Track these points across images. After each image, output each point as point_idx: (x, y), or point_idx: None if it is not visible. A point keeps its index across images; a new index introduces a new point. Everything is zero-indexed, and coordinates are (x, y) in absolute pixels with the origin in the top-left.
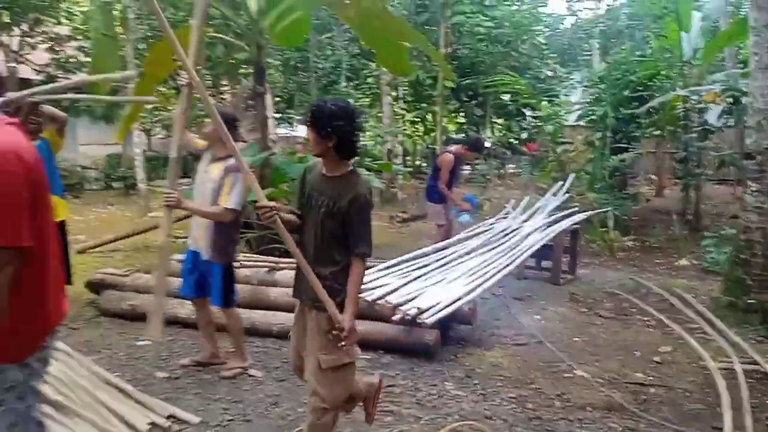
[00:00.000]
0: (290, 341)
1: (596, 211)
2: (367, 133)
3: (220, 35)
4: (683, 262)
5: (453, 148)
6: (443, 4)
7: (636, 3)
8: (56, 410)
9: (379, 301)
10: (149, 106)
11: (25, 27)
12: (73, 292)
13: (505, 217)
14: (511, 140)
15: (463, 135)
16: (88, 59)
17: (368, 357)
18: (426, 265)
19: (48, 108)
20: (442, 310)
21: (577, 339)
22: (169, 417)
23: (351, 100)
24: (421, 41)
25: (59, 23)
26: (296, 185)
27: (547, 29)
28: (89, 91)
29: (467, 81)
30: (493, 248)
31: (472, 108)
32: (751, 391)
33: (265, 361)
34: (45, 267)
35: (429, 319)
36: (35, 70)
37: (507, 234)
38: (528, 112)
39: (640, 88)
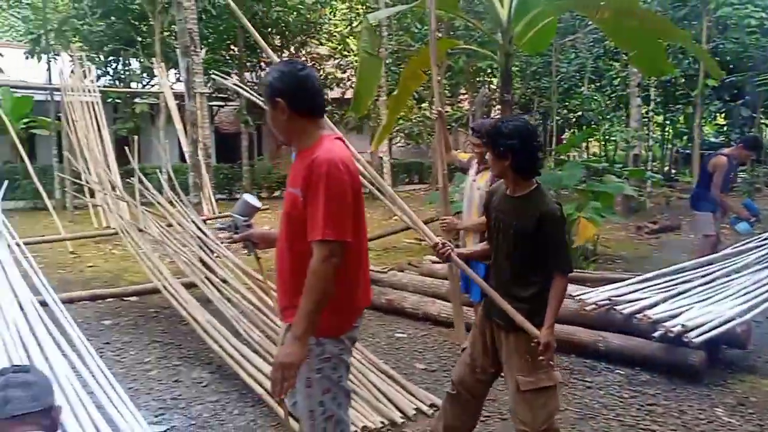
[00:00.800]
0: (462, 356)
1: None
2: (612, 138)
3: (465, 46)
4: None
5: (726, 150)
6: None
7: None
8: None
9: (637, 315)
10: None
11: (292, 49)
12: None
13: None
14: None
15: (723, 138)
16: (344, 75)
17: (622, 372)
18: (689, 281)
19: None
20: (712, 329)
21: None
22: (431, 405)
23: (593, 103)
24: (683, 38)
25: (321, 44)
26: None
27: None
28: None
29: (731, 79)
30: None
31: (738, 109)
32: None
33: None
34: (359, 259)
35: (696, 338)
36: None
37: None
38: None
39: None
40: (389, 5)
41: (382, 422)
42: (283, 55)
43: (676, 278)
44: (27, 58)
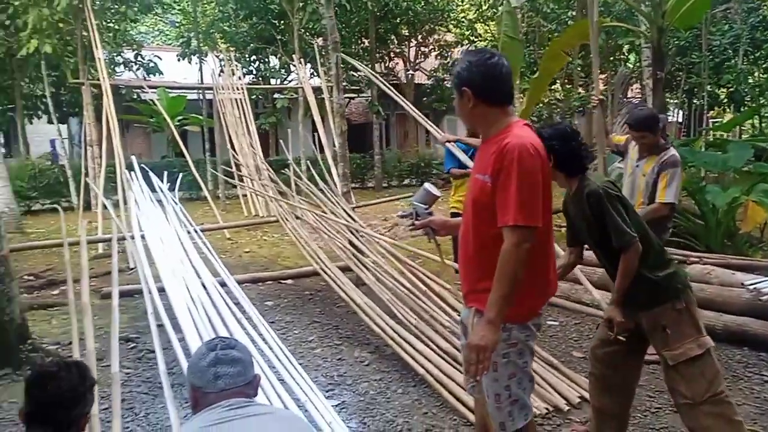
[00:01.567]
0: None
1: None
2: None
3: (613, 23)
4: None
5: None
6: None
7: None
8: None
9: None
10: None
11: (419, 38)
12: None
13: None
14: None
15: None
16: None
17: None
18: None
19: None
20: None
21: None
22: None
23: (750, 78)
24: None
25: (448, 31)
26: None
27: None
28: None
29: None
30: None
31: None
32: None
33: None
34: (547, 244)
35: None
36: (426, 75)
37: None
38: None
39: None
40: None
41: (547, 408)
42: (411, 44)
43: None
44: (179, 60)
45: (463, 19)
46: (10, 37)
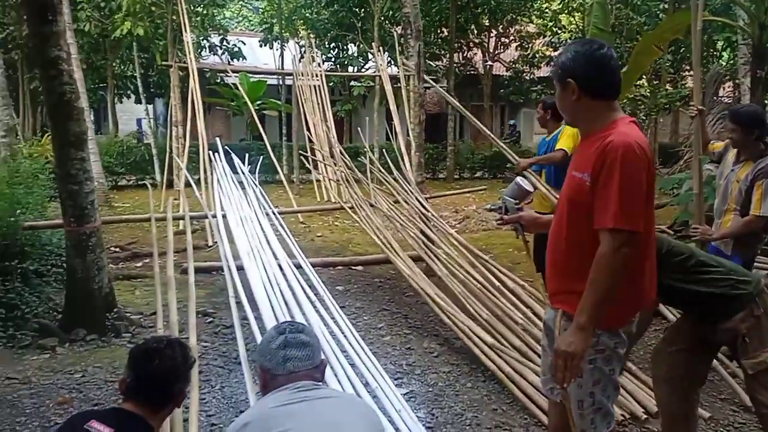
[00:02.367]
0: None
1: None
2: None
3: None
4: None
5: None
6: None
7: None
8: None
9: None
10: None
11: (500, 28)
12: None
13: None
14: None
15: None
16: (554, 54)
17: None
18: None
19: None
20: None
21: None
22: None
23: None
24: None
25: (530, 22)
26: None
27: None
28: None
29: None
30: None
31: None
32: None
33: None
34: (647, 250)
35: None
36: (505, 66)
37: None
38: None
39: None
40: None
41: (623, 415)
42: (491, 34)
43: None
44: (261, 45)
45: (547, 10)
46: (105, 19)
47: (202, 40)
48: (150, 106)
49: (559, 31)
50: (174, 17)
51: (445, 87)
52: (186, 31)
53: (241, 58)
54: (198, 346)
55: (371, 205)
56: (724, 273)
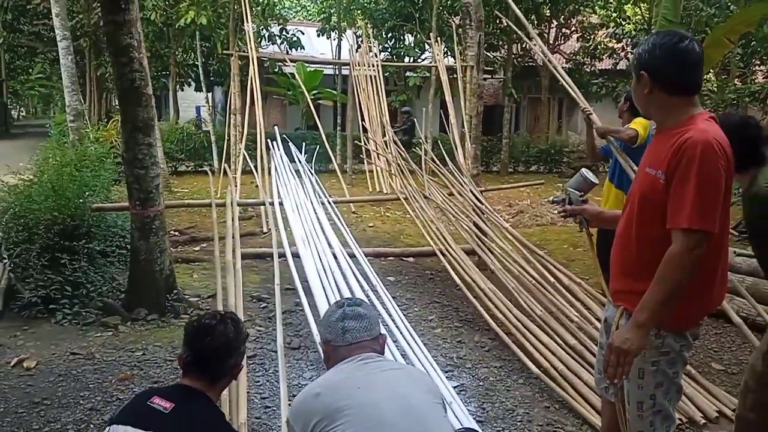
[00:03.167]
0: None
1: None
2: None
3: None
4: None
5: None
6: None
7: None
8: None
9: None
10: None
11: (561, 19)
12: None
13: None
14: None
15: None
16: (617, 45)
17: None
18: None
19: None
20: None
21: None
22: (735, 410)
23: None
24: None
25: (593, 12)
26: None
27: None
28: None
29: None
30: None
31: None
32: None
33: None
34: (720, 251)
35: None
36: (565, 58)
37: None
38: None
39: None
40: None
41: (681, 419)
42: (551, 25)
43: None
44: (318, 35)
45: (611, 0)
46: (170, 8)
47: (262, 29)
48: (209, 94)
49: (624, 23)
50: (236, 7)
51: (503, 78)
52: (247, 20)
53: (299, 48)
54: (253, 330)
55: (425, 197)
56: None
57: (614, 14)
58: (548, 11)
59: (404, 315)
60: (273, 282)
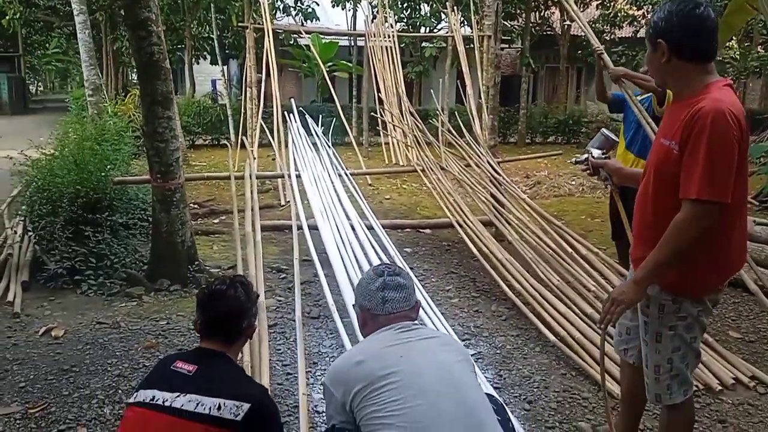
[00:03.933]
0: None
1: None
2: None
3: None
4: None
5: None
6: None
7: None
8: None
9: None
10: None
11: None
12: None
13: None
14: None
15: None
16: (638, 13)
17: None
18: None
19: None
20: None
21: None
22: (752, 378)
23: None
24: None
25: None
26: None
27: None
28: None
29: None
30: None
31: None
32: None
33: None
34: (735, 220)
35: None
36: None
37: None
38: None
39: None
40: None
41: (697, 386)
42: None
43: None
44: (333, 6)
45: None
46: None
47: (277, 1)
48: (225, 68)
49: None
50: None
51: (521, 48)
52: None
53: (314, 19)
54: (273, 300)
55: (442, 169)
56: None
57: None
58: None
59: (422, 285)
60: (292, 254)
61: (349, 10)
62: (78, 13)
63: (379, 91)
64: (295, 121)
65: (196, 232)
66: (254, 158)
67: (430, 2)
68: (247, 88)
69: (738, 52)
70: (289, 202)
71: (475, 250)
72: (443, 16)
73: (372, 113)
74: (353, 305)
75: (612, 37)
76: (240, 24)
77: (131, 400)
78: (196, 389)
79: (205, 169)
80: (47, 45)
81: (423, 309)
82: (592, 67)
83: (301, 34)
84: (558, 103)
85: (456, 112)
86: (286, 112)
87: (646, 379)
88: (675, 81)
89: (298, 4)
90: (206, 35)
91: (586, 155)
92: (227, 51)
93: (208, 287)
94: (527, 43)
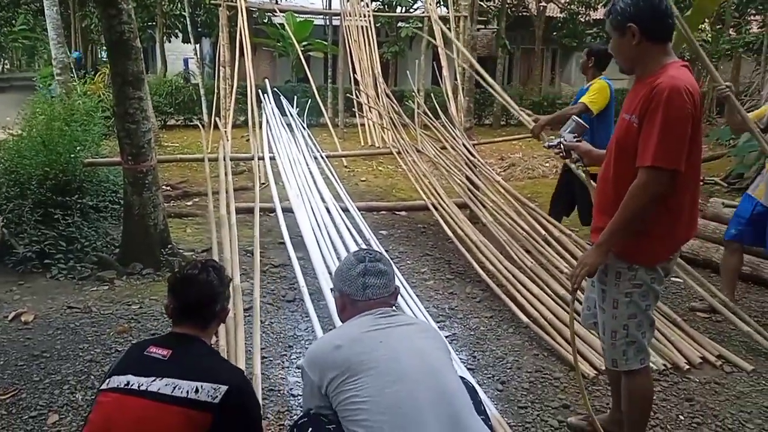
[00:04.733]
0: None
1: None
2: None
3: None
4: None
5: None
6: None
7: None
8: None
9: None
10: None
11: None
12: None
13: None
14: None
15: None
16: None
17: None
18: None
19: None
20: None
21: None
22: (718, 356)
23: None
24: None
25: None
26: None
27: None
28: None
29: None
30: None
31: None
32: None
33: None
34: (688, 190)
35: None
36: (560, 7)
37: None
38: None
39: None
40: None
41: (665, 365)
42: None
43: None
44: None
45: None
46: None
47: None
48: (197, 46)
49: None
50: None
51: (496, 29)
52: None
53: None
54: (247, 284)
55: (417, 151)
56: None
57: None
58: None
59: (397, 268)
60: (266, 236)
61: None
62: None
63: (354, 71)
64: (270, 102)
65: (169, 215)
66: (228, 139)
67: None
68: (221, 68)
69: (710, 35)
70: (264, 184)
71: (450, 233)
72: None
73: (348, 94)
74: (331, 290)
75: (587, 18)
76: (213, 2)
77: (104, 386)
78: (172, 373)
79: (177, 150)
80: (14, 22)
81: (401, 295)
82: (566, 48)
83: (276, 12)
84: (533, 85)
85: (432, 94)
86: (260, 92)
87: (602, 345)
88: (642, 62)
89: None
90: (178, 13)
91: (558, 139)
92: (200, 29)
93: (179, 272)
94: (503, 24)
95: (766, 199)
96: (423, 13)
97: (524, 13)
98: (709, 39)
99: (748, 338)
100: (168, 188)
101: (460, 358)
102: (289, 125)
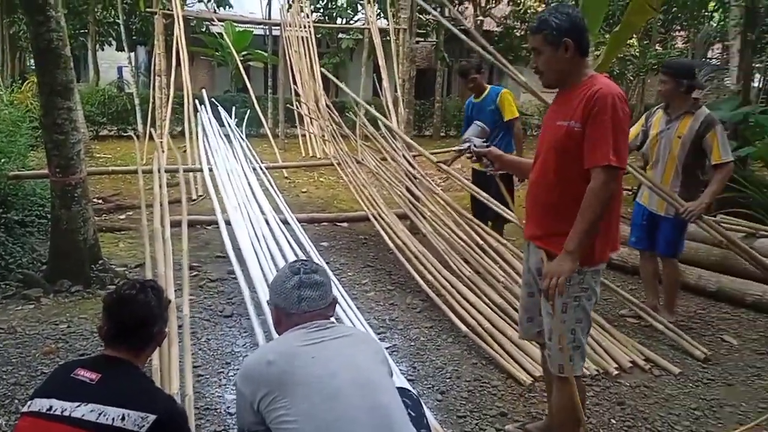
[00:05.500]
0: None
1: None
2: None
3: None
4: None
5: None
6: None
7: None
8: None
9: None
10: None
11: None
12: None
13: None
14: None
15: None
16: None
17: None
18: None
19: None
20: None
21: None
22: (647, 360)
23: None
24: None
25: None
26: None
27: None
28: None
29: None
30: None
31: None
32: None
33: (739, 330)
34: (620, 192)
35: None
36: (496, 22)
37: None
38: None
39: None
40: None
41: (597, 370)
42: None
43: None
44: None
45: None
46: None
47: None
48: (132, 54)
49: None
50: None
51: (435, 42)
52: None
53: (227, 6)
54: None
55: (358, 162)
56: None
57: None
58: None
59: (338, 279)
60: (203, 250)
61: None
62: None
63: (295, 82)
64: (207, 112)
65: (101, 229)
66: (163, 150)
67: None
68: (156, 77)
69: (638, 50)
70: (201, 196)
71: (390, 244)
72: (360, 7)
73: (288, 105)
74: (267, 302)
75: (522, 33)
76: (148, 9)
77: (25, 409)
78: (99, 399)
79: (110, 162)
80: None
81: (339, 304)
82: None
83: (214, 21)
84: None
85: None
86: (197, 102)
87: (548, 351)
88: (570, 74)
89: None
90: (112, 20)
91: (468, 144)
92: (134, 37)
93: (116, 292)
94: (442, 38)
95: (650, 203)
96: (363, 24)
97: (461, 27)
98: (637, 54)
99: (675, 342)
100: (100, 201)
101: (401, 369)
102: (227, 136)
